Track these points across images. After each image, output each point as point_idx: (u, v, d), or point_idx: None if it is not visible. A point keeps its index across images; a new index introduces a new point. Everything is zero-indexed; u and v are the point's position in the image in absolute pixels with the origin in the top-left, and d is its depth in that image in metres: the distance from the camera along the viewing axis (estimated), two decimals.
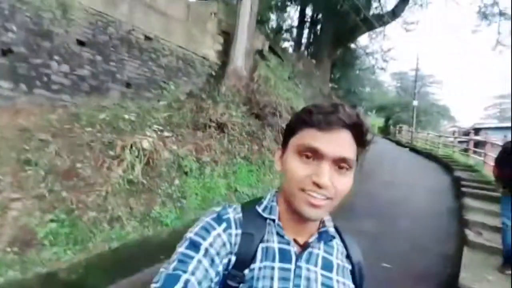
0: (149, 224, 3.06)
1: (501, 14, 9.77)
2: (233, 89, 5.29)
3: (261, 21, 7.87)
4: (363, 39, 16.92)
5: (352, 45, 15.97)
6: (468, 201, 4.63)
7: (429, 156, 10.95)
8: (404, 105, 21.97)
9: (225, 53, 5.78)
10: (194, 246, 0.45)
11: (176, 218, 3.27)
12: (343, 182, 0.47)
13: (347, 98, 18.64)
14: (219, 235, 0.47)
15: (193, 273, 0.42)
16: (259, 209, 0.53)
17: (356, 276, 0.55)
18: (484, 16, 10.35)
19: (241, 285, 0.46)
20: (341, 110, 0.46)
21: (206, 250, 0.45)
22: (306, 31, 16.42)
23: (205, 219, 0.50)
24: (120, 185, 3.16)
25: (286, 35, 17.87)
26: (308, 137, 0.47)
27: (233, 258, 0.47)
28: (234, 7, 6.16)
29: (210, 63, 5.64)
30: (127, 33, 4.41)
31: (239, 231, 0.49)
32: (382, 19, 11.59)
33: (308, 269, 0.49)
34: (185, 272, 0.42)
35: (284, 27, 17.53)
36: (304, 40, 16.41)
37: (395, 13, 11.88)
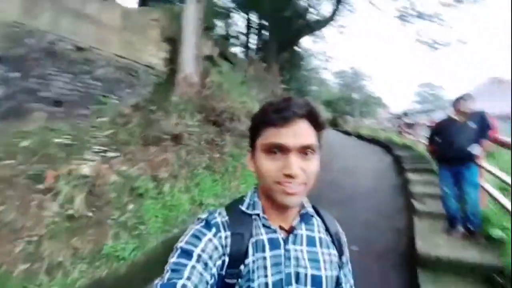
0: (102, 263, 2.58)
1: (419, 16, 11.39)
2: (185, 97, 4.98)
3: (208, 28, 7.71)
4: (306, 42, 18.05)
5: (297, 48, 16.93)
6: (410, 175, 5.14)
7: (372, 140, 12.12)
8: (347, 99, 24.24)
9: (172, 61, 5.43)
10: (187, 254, 0.48)
11: (135, 249, 2.84)
12: (311, 166, 0.52)
13: (299, 97, 19.60)
14: (210, 240, 0.50)
15: (188, 278, 0.44)
16: (243, 208, 0.58)
17: (336, 244, 0.61)
18: (402, 18, 11.93)
19: (239, 280, 0.50)
20: (292, 104, 0.51)
21: (199, 256, 0.47)
22: (253, 37, 16.83)
23: (193, 227, 0.53)
24: (57, 224, 2.61)
25: (234, 41, 18.05)
26: (270, 135, 0.51)
27: (227, 259, 0.50)
28: (177, 14, 5.86)
29: (156, 72, 5.22)
30: (51, 43, 3.78)
31: (229, 233, 0.52)
32: (320, 23, 12.52)
33: (295, 250, 0.55)
34: (180, 278, 0.44)
35: (232, 34, 17.68)
36: (252, 46, 16.78)
37: (330, 17, 12.96)
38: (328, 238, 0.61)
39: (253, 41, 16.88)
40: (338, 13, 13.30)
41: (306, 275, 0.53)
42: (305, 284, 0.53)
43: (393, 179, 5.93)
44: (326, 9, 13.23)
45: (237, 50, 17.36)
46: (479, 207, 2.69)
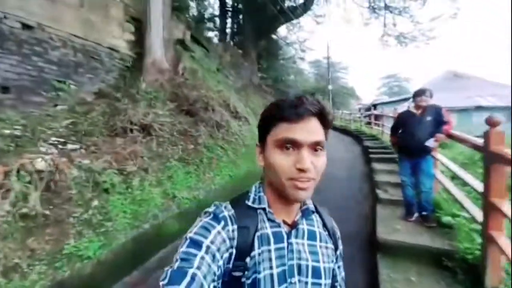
0: (63, 264, 2.41)
1: (386, 7, 11.74)
2: (155, 85, 4.68)
3: (179, 8, 7.19)
4: (283, 31, 17.86)
5: (274, 36, 16.69)
6: (375, 165, 5.45)
7: (344, 131, 12.67)
8: (322, 89, 24.78)
9: (139, 44, 5.03)
10: (196, 244, 0.49)
11: (101, 247, 2.69)
12: (321, 162, 0.55)
13: (276, 86, 19.62)
14: (219, 232, 0.52)
15: (198, 268, 0.46)
16: (249, 202, 0.60)
17: (332, 238, 0.66)
18: (373, 10, 12.23)
19: (245, 272, 0.52)
20: (306, 101, 0.53)
21: (208, 247, 0.49)
22: (229, 21, 16.20)
23: (202, 219, 0.54)
24: (10, 223, 2.37)
25: (209, 25, 17.25)
26: (284, 131, 0.53)
27: (234, 252, 0.52)
28: None
29: (121, 55, 4.81)
30: None
31: (235, 227, 0.54)
32: (296, 11, 12.40)
33: (297, 243, 0.58)
34: (190, 267, 0.45)
35: (206, 16, 16.84)
36: (228, 30, 16.18)
37: (306, 6, 12.86)
38: (325, 233, 0.65)
39: (229, 25, 16.28)
40: (315, 2, 13.27)
41: (307, 266, 0.57)
42: (307, 275, 0.56)
43: (362, 168, 6.27)
44: None
45: (211, 34, 16.68)
46: (432, 195, 2.94)
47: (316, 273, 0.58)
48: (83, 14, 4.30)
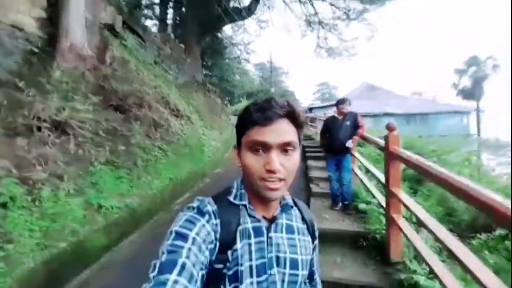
0: None
1: (320, 23, 12.98)
2: (74, 74, 3.94)
3: None
4: (228, 30, 17.72)
5: (219, 35, 16.38)
6: (310, 162, 6.05)
7: None
8: (266, 91, 25.80)
9: (53, 23, 4.15)
10: (182, 236, 0.51)
11: (0, 275, 2.10)
12: (291, 162, 0.57)
13: (221, 85, 19.35)
14: (203, 225, 0.54)
15: (187, 257, 0.48)
16: (231, 198, 0.62)
17: (310, 229, 0.70)
18: (308, 23, 13.39)
19: (227, 264, 0.55)
20: (274, 104, 0.55)
21: (194, 239, 0.51)
22: (171, 12, 15.09)
23: (186, 213, 0.56)
24: None
25: (147, 12, 15.72)
26: (254, 134, 0.56)
27: (217, 244, 0.55)
28: None
29: (27, 36, 3.85)
30: None
31: (218, 221, 0.57)
32: (241, 13, 12.48)
33: (276, 237, 0.61)
34: (179, 258, 0.47)
35: (144, 2, 15.29)
36: (170, 22, 15.07)
37: (250, 10, 13.08)
38: (304, 226, 0.69)
39: (170, 16, 15.19)
40: (259, 8, 13.61)
41: (285, 258, 0.60)
42: (285, 267, 0.60)
43: (299, 165, 6.73)
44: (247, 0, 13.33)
45: (149, 24, 15.26)
46: (351, 187, 3.47)
47: (294, 264, 0.61)
48: None
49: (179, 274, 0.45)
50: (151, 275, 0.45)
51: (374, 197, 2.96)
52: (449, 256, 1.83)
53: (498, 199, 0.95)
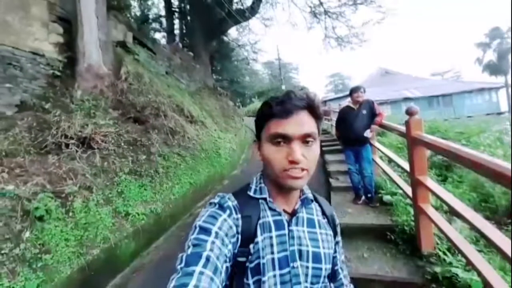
0: None
1: (326, 13, 12.66)
2: (93, 92, 4.18)
3: (117, 8, 6.58)
4: (233, 33, 17.90)
5: (225, 38, 16.57)
6: (328, 157, 5.90)
7: None
8: (276, 89, 25.68)
9: (70, 47, 4.44)
10: (206, 230, 0.53)
11: (40, 284, 2.28)
12: (312, 152, 0.58)
13: (232, 88, 19.55)
14: (225, 219, 0.57)
15: (211, 250, 0.50)
16: (250, 193, 0.63)
17: (331, 224, 0.70)
18: (314, 15, 13.08)
19: (249, 257, 0.57)
20: (293, 97, 0.57)
21: (217, 233, 0.53)
22: (177, 22, 15.53)
23: (208, 209, 0.59)
24: None
25: (155, 25, 16.29)
26: (275, 126, 0.57)
27: (239, 237, 0.57)
28: None
29: (48, 61, 4.16)
30: None
31: (239, 215, 0.59)
32: (245, 14, 12.53)
33: (298, 230, 0.61)
34: (204, 251, 0.49)
35: (151, 16, 15.87)
36: (177, 32, 15.51)
37: (254, 9, 13.08)
38: (324, 220, 0.69)
39: (177, 26, 15.62)
40: (262, 6, 13.58)
41: (307, 252, 0.60)
42: (307, 260, 0.60)
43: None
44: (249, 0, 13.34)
45: (158, 36, 15.80)
46: (373, 179, 3.31)
47: (317, 258, 0.61)
48: None
49: (204, 266, 0.47)
50: (178, 267, 0.47)
51: (399, 187, 2.80)
52: (487, 245, 1.71)
53: None
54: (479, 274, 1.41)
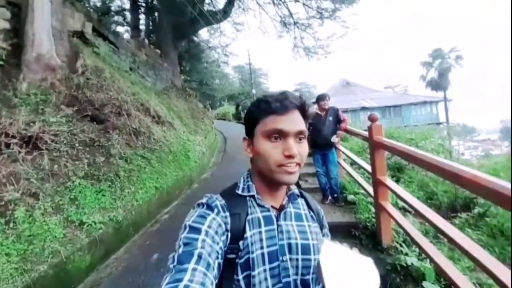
0: None
1: (295, 23, 13.21)
2: (43, 85, 3.69)
3: None
4: (204, 34, 17.55)
5: (195, 39, 16.16)
6: None
7: None
8: (246, 93, 25.82)
9: (17, 34, 3.88)
10: (195, 229, 0.54)
11: None
12: (304, 149, 0.62)
13: (202, 90, 19.10)
14: (214, 218, 0.57)
15: (202, 247, 0.50)
16: (239, 191, 0.66)
17: (317, 217, 0.72)
18: (284, 24, 13.57)
19: (239, 253, 0.57)
20: (290, 96, 0.62)
21: (206, 231, 0.54)
22: (143, 17, 14.69)
23: (196, 209, 0.59)
24: None
25: (118, 18, 15.19)
26: (272, 122, 0.60)
27: (229, 234, 0.58)
28: None
29: None
30: None
31: (228, 214, 0.60)
32: (216, 16, 12.40)
33: (286, 225, 0.64)
34: (195, 248, 0.50)
35: (113, 8, 14.77)
36: (143, 27, 14.65)
37: (226, 13, 13.03)
38: (310, 213, 0.71)
39: (143, 21, 14.78)
40: (234, 10, 13.59)
41: (297, 244, 0.62)
42: (297, 253, 0.61)
43: None
44: (222, 2, 13.25)
45: (121, 30, 14.76)
46: (339, 180, 3.56)
47: (306, 250, 0.63)
48: None
49: (197, 263, 0.48)
50: (171, 265, 0.48)
51: (362, 187, 3.04)
52: (439, 235, 1.91)
53: (495, 180, 0.97)
54: (432, 261, 1.56)
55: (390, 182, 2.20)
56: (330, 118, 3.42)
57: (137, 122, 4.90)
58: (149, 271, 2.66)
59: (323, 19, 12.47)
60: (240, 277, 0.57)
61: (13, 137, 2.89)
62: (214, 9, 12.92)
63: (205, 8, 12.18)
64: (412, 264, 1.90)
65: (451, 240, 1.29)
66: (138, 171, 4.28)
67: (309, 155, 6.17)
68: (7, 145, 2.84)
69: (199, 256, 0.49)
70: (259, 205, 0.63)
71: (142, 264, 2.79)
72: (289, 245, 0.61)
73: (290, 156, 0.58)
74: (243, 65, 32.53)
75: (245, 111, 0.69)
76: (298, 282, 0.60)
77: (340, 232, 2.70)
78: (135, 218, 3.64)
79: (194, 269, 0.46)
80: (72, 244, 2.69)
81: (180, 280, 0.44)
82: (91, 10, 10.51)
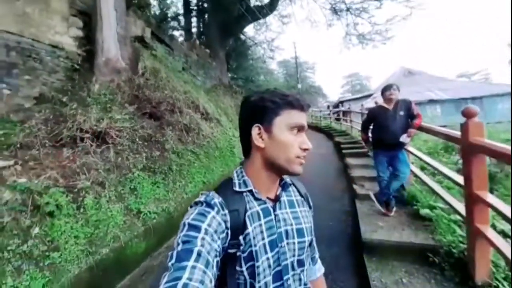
0: None
1: (347, 9, 12.15)
2: (110, 86, 4.13)
3: (137, 6, 6.60)
4: (250, 31, 17.75)
5: (242, 36, 16.46)
6: (349, 160, 5.44)
7: (315, 128, 12.90)
8: (292, 88, 25.27)
9: (89, 41, 4.42)
10: (195, 228, 0.54)
11: (46, 284, 2.19)
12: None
13: (246, 86, 19.42)
14: (214, 217, 0.58)
15: (202, 245, 0.51)
16: (235, 188, 0.66)
17: (306, 200, 0.79)
18: (334, 11, 12.60)
19: (240, 247, 0.59)
20: (301, 97, 0.67)
21: (206, 230, 0.54)
22: (195, 20, 15.62)
23: (196, 207, 0.60)
24: None
25: (174, 24, 16.49)
26: (296, 116, 0.64)
27: (229, 232, 0.59)
28: None
29: (67, 54, 4.15)
30: None
31: (226, 211, 0.61)
32: (263, 11, 12.31)
33: (282, 213, 0.68)
34: (195, 246, 0.50)
35: (170, 15, 16.07)
36: (194, 30, 15.60)
37: (272, 5, 12.83)
38: (301, 199, 0.76)
39: (194, 24, 15.70)
40: (280, 3, 13.30)
41: (292, 230, 0.67)
42: (293, 237, 0.66)
43: (337, 163, 6.30)
44: None
45: (176, 34, 15.94)
46: (402, 182, 2.90)
47: (300, 233, 0.68)
48: (15, 6, 3.61)
49: (196, 260, 0.48)
50: (170, 263, 0.48)
51: (442, 200, 2.41)
52: None
53: None
54: None
55: (493, 199, 1.64)
56: (401, 113, 2.76)
57: (188, 118, 5.14)
58: None
59: (382, 0, 11.14)
60: (244, 268, 0.59)
61: (86, 132, 3.28)
62: (260, 3, 12.86)
63: (252, 3, 12.21)
64: None
65: None
66: (188, 165, 4.48)
67: (364, 155, 5.52)
68: (82, 139, 3.24)
69: (199, 254, 0.49)
70: (256, 199, 0.65)
71: None
72: (286, 231, 0.66)
73: (306, 149, 0.64)
74: (288, 60, 31.90)
75: (253, 98, 0.67)
76: (295, 262, 0.66)
77: (412, 256, 2.18)
78: (185, 211, 3.77)
79: (194, 267, 0.47)
80: (130, 231, 2.91)
81: (179, 278, 0.45)
82: (151, 18, 11.59)
